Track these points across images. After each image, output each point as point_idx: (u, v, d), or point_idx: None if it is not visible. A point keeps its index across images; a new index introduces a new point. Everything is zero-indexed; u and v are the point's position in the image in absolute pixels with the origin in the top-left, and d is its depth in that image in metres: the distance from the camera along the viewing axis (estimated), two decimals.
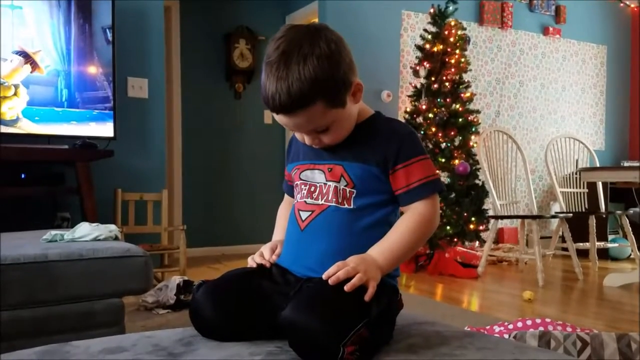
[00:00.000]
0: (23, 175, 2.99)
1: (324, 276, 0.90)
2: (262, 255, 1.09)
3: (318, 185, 1.03)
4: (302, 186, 1.05)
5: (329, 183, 1.01)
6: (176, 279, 2.66)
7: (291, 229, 1.07)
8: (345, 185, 1.00)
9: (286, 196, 1.22)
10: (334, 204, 1.00)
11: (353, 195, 1.00)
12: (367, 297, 0.89)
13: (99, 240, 1.86)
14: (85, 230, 1.90)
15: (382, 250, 0.97)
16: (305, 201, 1.04)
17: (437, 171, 4.09)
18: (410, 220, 0.99)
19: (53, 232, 1.89)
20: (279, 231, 1.17)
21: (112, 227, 1.97)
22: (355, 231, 0.99)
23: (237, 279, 1.03)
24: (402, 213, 1.04)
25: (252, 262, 1.09)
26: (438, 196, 1.02)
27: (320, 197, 1.02)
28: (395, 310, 1.02)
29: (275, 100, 0.92)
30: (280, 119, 0.97)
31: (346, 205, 1.00)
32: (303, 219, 1.03)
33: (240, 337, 0.96)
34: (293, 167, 1.09)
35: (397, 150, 0.99)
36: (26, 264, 1.57)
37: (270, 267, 1.06)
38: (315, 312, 0.84)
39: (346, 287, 0.88)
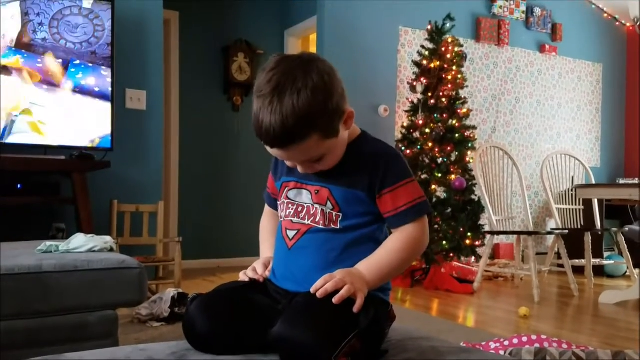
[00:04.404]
0: (19, 185, 2.98)
1: (312, 289, 0.90)
2: (254, 270, 1.09)
3: (305, 206, 1.03)
4: (290, 205, 1.05)
5: (316, 206, 1.02)
6: (171, 292, 2.65)
7: (279, 247, 1.07)
8: (332, 209, 1.01)
9: (268, 208, 1.22)
10: (320, 226, 1.01)
11: (339, 219, 1.00)
12: (355, 309, 0.89)
13: (94, 251, 1.86)
14: (80, 242, 1.90)
15: (369, 266, 0.97)
16: (291, 220, 1.04)
17: (434, 186, 4.05)
18: (399, 240, 1.00)
19: (48, 242, 1.88)
20: (267, 248, 1.17)
21: (108, 238, 1.96)
22: (341, 247, 1.00)
23: (231, 293, 1.03)
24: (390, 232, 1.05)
25: (244, 276, 1.08)
26: (426, 217, 1.03)
27: (307, 217, 1.02)
28: (385, 321, 1.02)
29: (269, 134, 0.91)
30: (274, 151, 0.96)
31: (332, 226, 1.01)
32: (290, 237, 1.04)
33: (234, 351, 0.95)
34: (280, 183, 1.09)
35: (383, 175, 1.00)
36: (20, 275, 1.56)
37: (263, 281, 1.06)
38: (305, 326, 0.84)
39: (335, 299, 0.88)
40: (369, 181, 1.00)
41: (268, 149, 0.96)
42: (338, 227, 1.00)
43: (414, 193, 1.01)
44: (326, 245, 1.00)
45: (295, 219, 1.03)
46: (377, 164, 1.00)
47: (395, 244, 1.00)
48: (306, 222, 1.02)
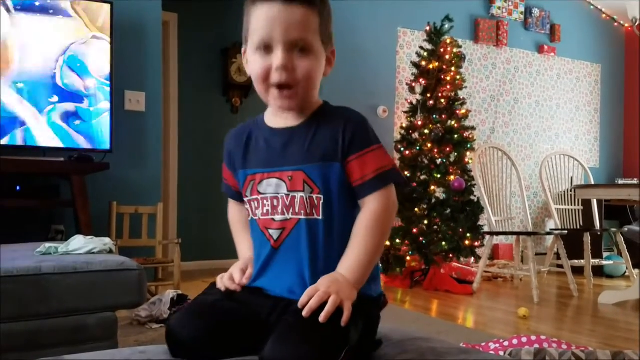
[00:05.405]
0: (18, 188, 2.97)
1: (299, 304, 0.87)
2: (232, 278, 1.03)
3: (280, 196, 0.97)
4: (264, 201, 0.98)
5: (292, 194, 0.95)
6: (170, 293, 2.65)
7: (260, 247, 1.01)
8: (311, 193, 0.95)
9: (233, 202, 1.14)
10: (303, 217, 0.95)
11: (321, 202, 0.95)
12: (343, 322, 0.86)
13: (93, 253, 1.86)
14: (79, 243, 1.90)
15: (350, 264, 0.93)
16: (273, 218, 0.98)
17: (433, 187, 4.01)
18: (365, 221, 0.95)
19: (47, 244, 1.88)
20: (246, 247, 1.10)
21: (107, 240, 1.96)
22: (330, 242, 0.96)
23: (211, 306, 0.98)
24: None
25: (221, 284, 1.02)
26: (393, 186, 0.98)
27: (286, 210, 0.96)
28: (376, 321, 0.99)
29: None
30: (273, 12, 0.93)
31: (315, 216, 0.95)
32: (275, 238, 0.98)
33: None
34: (245, 176, 1.02)
35: (351, 140, 0.95)
36: (20, 277, 1.56)
37: (241, 290, 1.00)
38: (294, 350, 0.82)
39: (321, 318, 0.85)
40: (338, 148, 0.95)
41: (267, 8, 0.94)
42: (321, 216, 0.95)
43: (382, 160, 0.96)
44: (315, 243, 0.95)
45: (277, 217, 0.97)
46: (345, 129, 0.95)
47: (365, 229, 0.95)
48: (288, 216, 0.96)
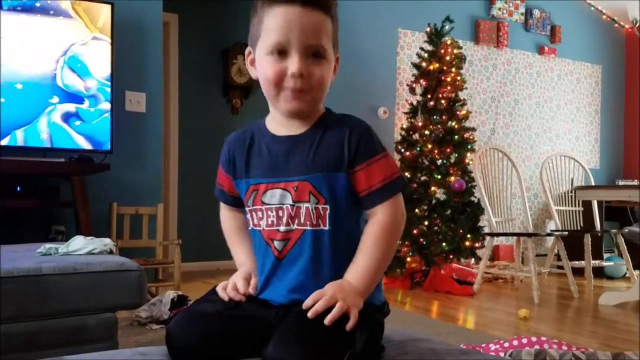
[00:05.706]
0: (18, 188, 2.98)
1: (303, 306, 0.86)
2: (235, 287, 0.99)
3: (285, 207, 0.95)
4: (268, 212, 0.96)
5: (297, 204, 0.94)
6: (170, 294, 2.65)
7: (264, 258, 0.98)
8: (317, 203, 0.93)
9: (227, 208, 1.11)
10: (309, 228, 0.94)
11: (327, 212, 0.94)
12: (348, 327, 0.85)
13: (94, 254, 1.86)
14: (79, 244, 1.90)
15: (357, 273, 0.92)
16: (278, 229, 0.96)
17: (433, 188, 4.00)
18: (374, 231, 0.94)
19: (47, 245, 1.88)
20: (244, 254, 1.06)
21: (107, 240, 1.96)
22: (335, 253, 0.95)
23: (213, 314, 0.96)
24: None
25: (224, 294, 0.98)
26: (400, 195, 0.97)
27: (291, 221, 0.95)
28: (380, 330, 0.99)
29: None
30: (292, 15, 0.90)
31: (322, 226, 0.94)
32: (280, 249, 0.96)
33: None
34: (248, 185, 1.00)
35: (356, 149, 0.94)
36: (20, 277, 1.56)
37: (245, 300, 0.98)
38: (299, 349, 0.81)
39: (326, 320, 0.83)
40: (343, 157, 0.94)
41: (282, 10, 0.91)
42: (327, 226, 0.94)
43: (388, 169, 0.95)
44: (320, 253, 0.94)
45: (282, 228, 0.95)
46: (350, 138, 0.94)
47: (373, 239, 0.94)
48: (293, 226, 0.94)
